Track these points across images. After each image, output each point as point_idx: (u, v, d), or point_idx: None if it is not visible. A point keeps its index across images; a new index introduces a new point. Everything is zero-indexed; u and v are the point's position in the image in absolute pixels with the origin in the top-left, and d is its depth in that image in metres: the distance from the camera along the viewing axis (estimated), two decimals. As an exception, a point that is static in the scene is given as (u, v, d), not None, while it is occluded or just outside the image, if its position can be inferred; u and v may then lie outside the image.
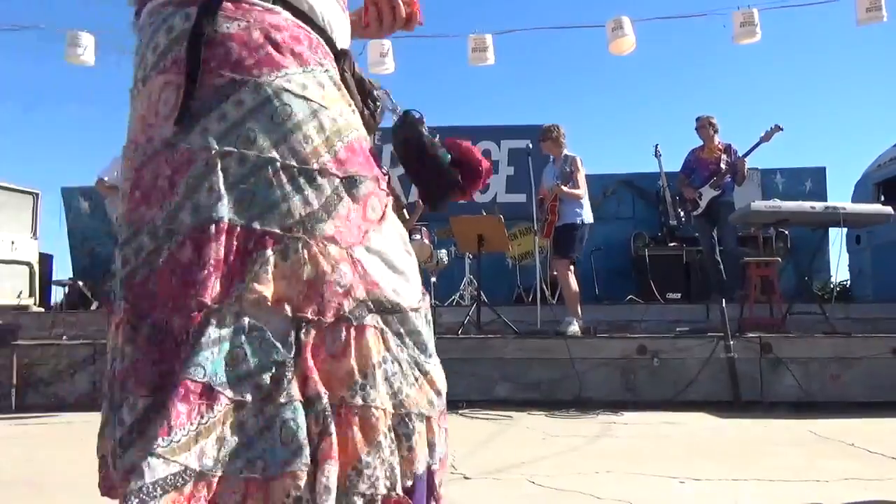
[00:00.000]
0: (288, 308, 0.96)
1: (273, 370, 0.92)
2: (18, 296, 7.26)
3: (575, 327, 5.36)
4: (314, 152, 1.01)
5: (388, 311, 1.03)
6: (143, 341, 0.95)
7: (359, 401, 0.96)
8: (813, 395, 4.54)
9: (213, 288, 0.92)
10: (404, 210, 6.48)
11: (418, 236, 7.13)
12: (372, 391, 0.97)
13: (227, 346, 0.92)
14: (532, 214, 5.92)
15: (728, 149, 6.69)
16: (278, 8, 1.08)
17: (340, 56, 1.15)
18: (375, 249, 1.05)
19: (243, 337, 0.93)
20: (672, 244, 8.11)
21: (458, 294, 7.58)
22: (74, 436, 3.95)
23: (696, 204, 6.71)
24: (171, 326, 0.94)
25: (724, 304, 4.81)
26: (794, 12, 7.76)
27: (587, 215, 5.72)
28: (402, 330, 1.05)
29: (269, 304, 0.95)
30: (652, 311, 6.67)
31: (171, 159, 0.99)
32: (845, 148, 29.95)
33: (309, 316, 0.96)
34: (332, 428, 0.93)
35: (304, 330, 0.95)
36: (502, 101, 27.78)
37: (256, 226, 0.97)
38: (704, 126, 6.72)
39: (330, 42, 1.14)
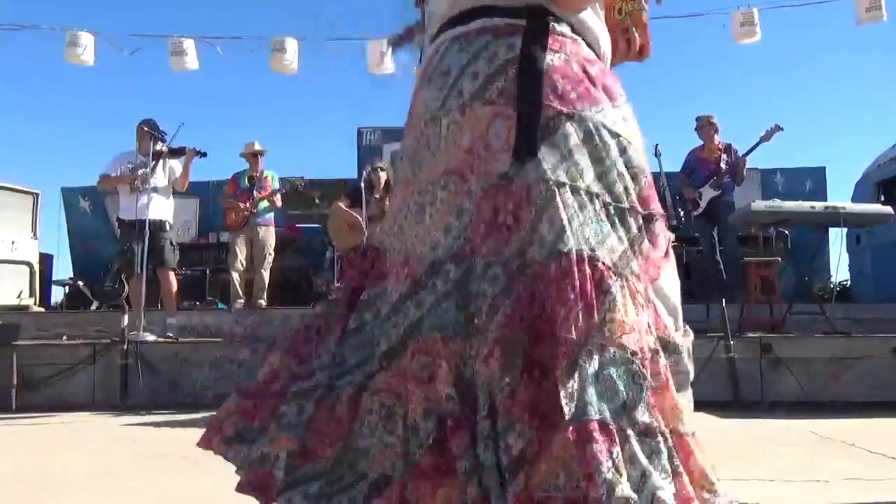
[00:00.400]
0: (631, 341, 0.95)
1: (643, 403, 0.92)
2: (19, 296, 7.25)
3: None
4: (625, 190, 1.03)
5: (672, 351, 1.05)
6: (521, 373, 0.94)
7: (689, 429, 0.97)
8: (813, 395, 4.54)
9: (577, 321, 0.92)
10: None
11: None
12: (688, 426, 0.98)
13: (601, 379, 0.91)
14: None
15: (728, 149, 6.69)
16: (580, 39, 1.10)
17: None
18: (660, 288, 1.06)
19: (613, 369, 0.92)
20: (672, 244, 8.09)
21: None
22: (74, 436, 3.96)
23: (697, 204, 6.70)
24: (541, 360, 0.93)
25: (724, 304, 4.81)
26: (794, 12, 7.77)
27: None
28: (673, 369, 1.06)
29: (630, 335, 0.94)
30: (652, 310, 6.64)
31: (510, 193, 0.99)
32: (845, 148, 29.98)
33: (642, 351, 0.96)
34: (681, 468, 0.92)
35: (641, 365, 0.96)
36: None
37: (599, 256, 0.97)
38: (704, 126, 6.72)
39: None
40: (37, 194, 7.72)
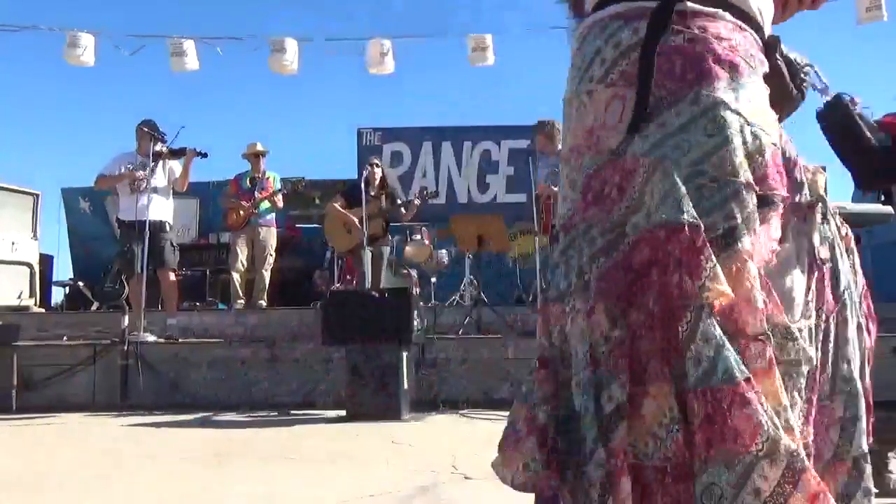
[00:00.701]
0: (730, 313, 0.97)
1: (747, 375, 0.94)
2: (19, 296, 7.26)
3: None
4: (740, 166, 1.04)
5: (785, 337, 1.02)
6: (624, 329, 0.98)
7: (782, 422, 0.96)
8: (813, 394, 4.54)
9: (684, 288, 0.95)
10: (401, 208, 6.47)
11: (418, 236, 7.12)
12: (791, 413, 0.96)
13: (725, 344, 0.93)
14: (533, 215, 5.91)
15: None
16: (721, 12, 1.09)
17: (772, 44, 1.17)
18: (773, 272, 1.05)
19: (723, 336, 0.94)
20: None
21: (458, 294, 7.58)
22: (74, 436, 3.96)
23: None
24: (633, 326, 0.97)
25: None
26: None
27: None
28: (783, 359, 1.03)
29: (729, 306, 0.96)
30: (652, 310, 6.64)
31: (618, 167, 1.05)
32: (845, 148, 29.87)
33: (747, 330, 0.96)
34: None
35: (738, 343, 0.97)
36: (502, 101, 27.80)
37: (702, 227, 0.99)
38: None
39: (760, 31, 1.15)
40: (37, 195, 7.74)
